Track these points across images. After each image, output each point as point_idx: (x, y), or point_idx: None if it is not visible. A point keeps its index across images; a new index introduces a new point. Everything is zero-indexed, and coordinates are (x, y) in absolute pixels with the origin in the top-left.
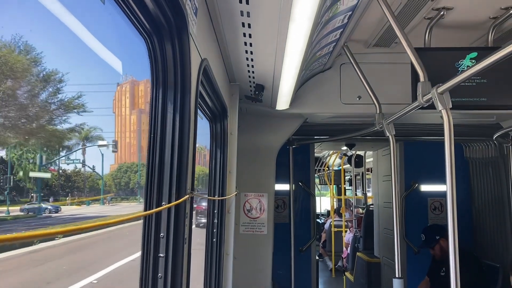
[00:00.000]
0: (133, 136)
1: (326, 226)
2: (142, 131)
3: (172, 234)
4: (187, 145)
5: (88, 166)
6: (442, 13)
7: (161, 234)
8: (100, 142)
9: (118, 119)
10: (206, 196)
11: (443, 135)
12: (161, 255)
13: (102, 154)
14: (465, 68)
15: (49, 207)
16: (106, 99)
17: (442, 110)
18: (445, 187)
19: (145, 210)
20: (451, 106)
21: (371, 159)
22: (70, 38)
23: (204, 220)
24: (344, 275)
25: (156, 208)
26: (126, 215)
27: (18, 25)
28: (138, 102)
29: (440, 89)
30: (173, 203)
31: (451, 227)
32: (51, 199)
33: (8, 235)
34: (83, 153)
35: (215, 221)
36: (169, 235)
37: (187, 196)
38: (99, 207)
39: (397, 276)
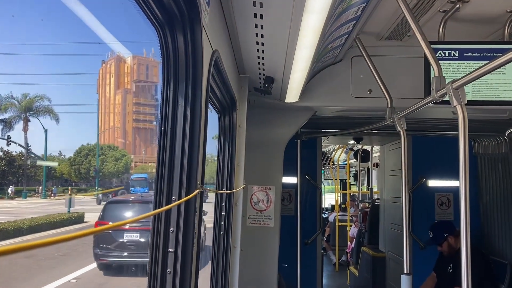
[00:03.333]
0: (117, 119)
1: (331, 218)
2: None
3: (182, 229)
4: (197, 139)
5: (19, 145)
6: (457, 6)
7: (171, 229)
8: None
9: (102, 99)
10: (215, 190)
11: (454, 130)
12: (171, 250)
13: (46, 130)
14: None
15: None
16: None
17: (457, 106)
18: (453, 183)
19: (155, 204)
20: (466, 101)
21: (377, 153)
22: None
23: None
24: (348, 269)
25: (166, 202)
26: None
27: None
28: (123, 81)
29: (455, 84)
30: (184, 198)
31: (464, 224)
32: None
33: None
34: (25, 130)
35: (223, 213)
36: (179, 230)
37: (198, 190)
38: (33, 201)
39: (405, 272)
